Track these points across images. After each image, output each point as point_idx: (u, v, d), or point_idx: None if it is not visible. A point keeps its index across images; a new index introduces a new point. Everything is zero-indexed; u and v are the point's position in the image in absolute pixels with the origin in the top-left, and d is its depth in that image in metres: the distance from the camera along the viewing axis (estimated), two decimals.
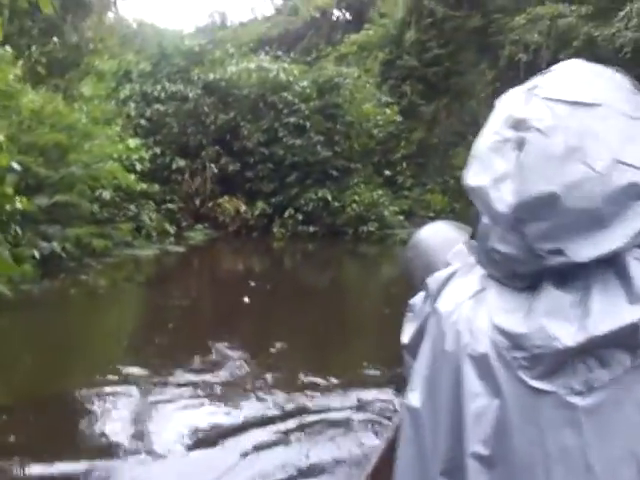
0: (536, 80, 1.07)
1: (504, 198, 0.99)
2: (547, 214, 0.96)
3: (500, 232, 1.02)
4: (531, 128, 0.99)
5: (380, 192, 23.10)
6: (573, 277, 0.98)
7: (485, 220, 1.06)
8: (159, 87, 22.77)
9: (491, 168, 1.02)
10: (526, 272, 1.01)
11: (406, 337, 1.24)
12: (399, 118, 25.79)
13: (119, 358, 8.02)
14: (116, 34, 28.86)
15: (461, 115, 34.19)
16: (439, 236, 1.68)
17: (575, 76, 1.05)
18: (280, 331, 9.76)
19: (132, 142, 19.44)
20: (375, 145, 25.34)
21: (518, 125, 1.01)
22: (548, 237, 0.96)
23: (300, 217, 22.31)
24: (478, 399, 1.02)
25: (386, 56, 34.36)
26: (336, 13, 49.71)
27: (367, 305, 13.29)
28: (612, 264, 0.96)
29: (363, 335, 10.17)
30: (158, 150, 22.14)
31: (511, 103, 1.07)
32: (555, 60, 1.24)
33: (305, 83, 22.91)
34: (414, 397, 1.13)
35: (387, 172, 25.53)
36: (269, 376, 7.14)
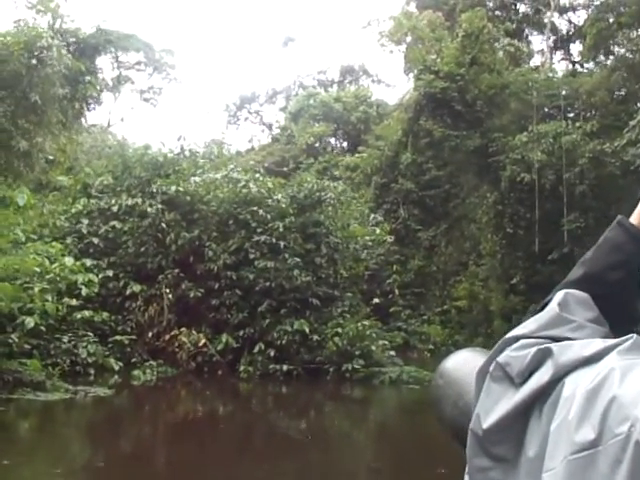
0: None
1: None
2: None
3: None
4: None
5: (367, 323, 19.65)
6: None
7: None
8: (116, 201, 20.01)
9: None
10: None
11: (494, 415, 0.89)
12: (390, 238, 22.71)
13: None
14: (80, 148, 26.68)
15: (461, 242, 31.53)
16: (470, 364, 1.27)
17: None
18: None
19: (68, 260, 16.50)
20: (364, 270, 22.18)
21: None
22: None
23: (272, 353, 18.85)
24: None
25: (381, 179, 32.24)
26: (332, 142, 48.88)
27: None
28: None
29: None
30: (111, 273, 19.30)
31: None
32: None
33: (280, 197, 19.93)
34: None
35: (376, 300, 22.28)
36: None
